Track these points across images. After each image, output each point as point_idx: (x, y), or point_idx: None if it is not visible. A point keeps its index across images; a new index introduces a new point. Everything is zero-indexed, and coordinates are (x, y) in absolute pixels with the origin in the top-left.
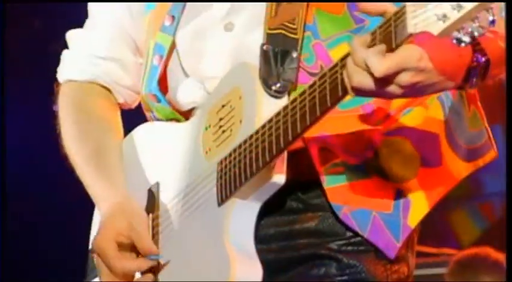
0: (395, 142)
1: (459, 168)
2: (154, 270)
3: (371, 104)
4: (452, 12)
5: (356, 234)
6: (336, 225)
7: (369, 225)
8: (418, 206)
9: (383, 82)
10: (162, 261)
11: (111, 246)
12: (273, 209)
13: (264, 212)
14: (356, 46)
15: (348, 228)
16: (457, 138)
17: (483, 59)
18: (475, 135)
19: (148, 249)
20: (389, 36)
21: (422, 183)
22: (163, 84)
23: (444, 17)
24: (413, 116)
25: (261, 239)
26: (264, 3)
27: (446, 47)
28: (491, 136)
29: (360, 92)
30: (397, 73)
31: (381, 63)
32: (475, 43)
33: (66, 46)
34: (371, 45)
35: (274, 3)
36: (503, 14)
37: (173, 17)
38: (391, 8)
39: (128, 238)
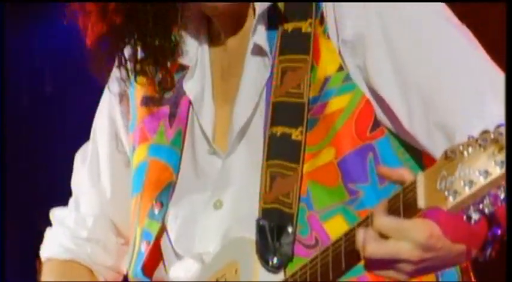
0: None
1: None
2: None
3: (367, 276)
4: (479, 179)
5: None
6: None
7: None
8: None
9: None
10: None
11: None
12: None
13: None
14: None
15: None
16: None
17: (499, 232)
18: None
19: None
20: (398, 211)
21: None
22: (148, 268)
23: (471, 182)
24: None
25: None
26: (251, 181)
27: (460, 223)
28: None
29: (371, 263)
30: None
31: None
32: (490, 217)
33: None
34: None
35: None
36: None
37: (161, 203)
38: (408, 176)
39: None
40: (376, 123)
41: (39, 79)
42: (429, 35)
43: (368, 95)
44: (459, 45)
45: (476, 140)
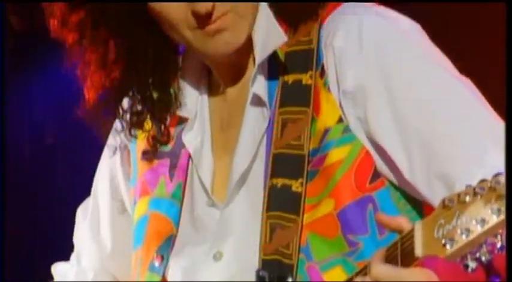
0: None
1: None
2: None
3: None
4: (476, 227)
5: None
6: None
7: None
8: None
9: None
10: None
11: None
12: None
13: None
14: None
15: None
16: None
17: (498, 280)
18: None
19: None
20: (396, 260)
21: None
22: None
23: (468, 230)
24: None
25: None
26: (251, 231)
27: (458, 271)
28: None
29: None
30: None
31: None
32: (487, 266)
33: None
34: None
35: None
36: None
37: (162, 256)
38: (406, 224)
39: None
40: (376, 175)
41: (40, 131)
42: (429, 84)
43: (368, 146)
44: (458, 93)
45: (474, 189)
